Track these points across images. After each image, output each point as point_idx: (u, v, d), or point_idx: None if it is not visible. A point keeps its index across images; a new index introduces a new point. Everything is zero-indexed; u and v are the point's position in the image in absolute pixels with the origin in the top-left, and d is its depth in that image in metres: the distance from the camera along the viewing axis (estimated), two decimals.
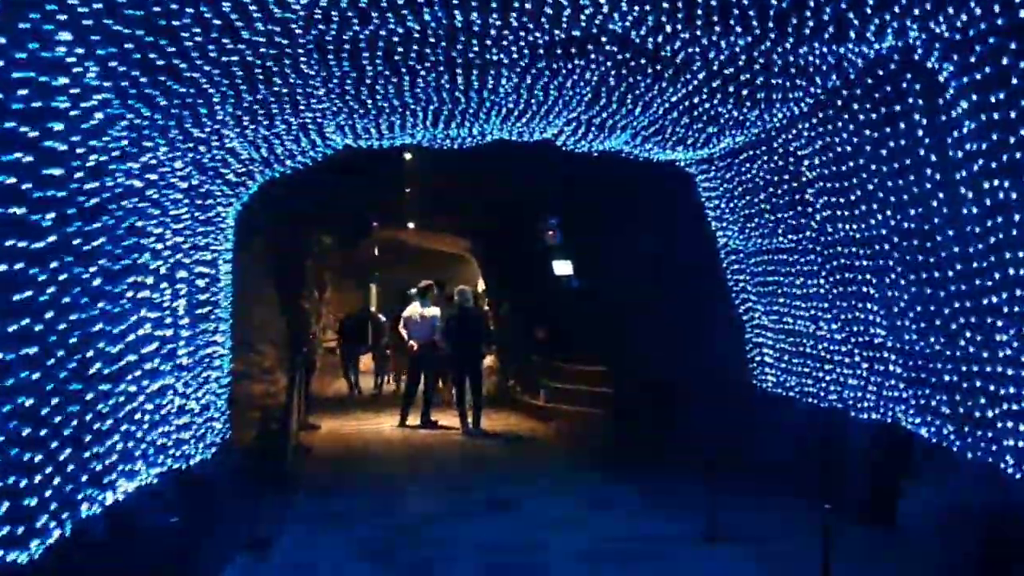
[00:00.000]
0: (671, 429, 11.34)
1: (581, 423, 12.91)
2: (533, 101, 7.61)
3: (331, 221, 21.51)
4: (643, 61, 6.64)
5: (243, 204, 9.29)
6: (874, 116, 6.12)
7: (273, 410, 10.53)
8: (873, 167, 6.37)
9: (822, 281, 7.62)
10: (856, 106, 6.26)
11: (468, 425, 13.01)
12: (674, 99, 7.25)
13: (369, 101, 7.28)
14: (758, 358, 9.52)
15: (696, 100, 7.18)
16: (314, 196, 16.62)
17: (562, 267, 12.93)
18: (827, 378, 8.03)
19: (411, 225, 23.89)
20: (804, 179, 7.42)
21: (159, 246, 6.07)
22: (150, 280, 5.81)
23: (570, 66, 6.73)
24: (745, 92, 6.81)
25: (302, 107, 7.12)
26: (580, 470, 10.18)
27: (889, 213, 6.32)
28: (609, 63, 6.68)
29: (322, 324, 24.40)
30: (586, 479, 9.62)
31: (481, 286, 25.25)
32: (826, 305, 7.66)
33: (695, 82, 6.81)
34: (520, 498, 8.62)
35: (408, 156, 14.70)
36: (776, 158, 7.73)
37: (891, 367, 6.91)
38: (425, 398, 13.76)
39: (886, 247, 6.48)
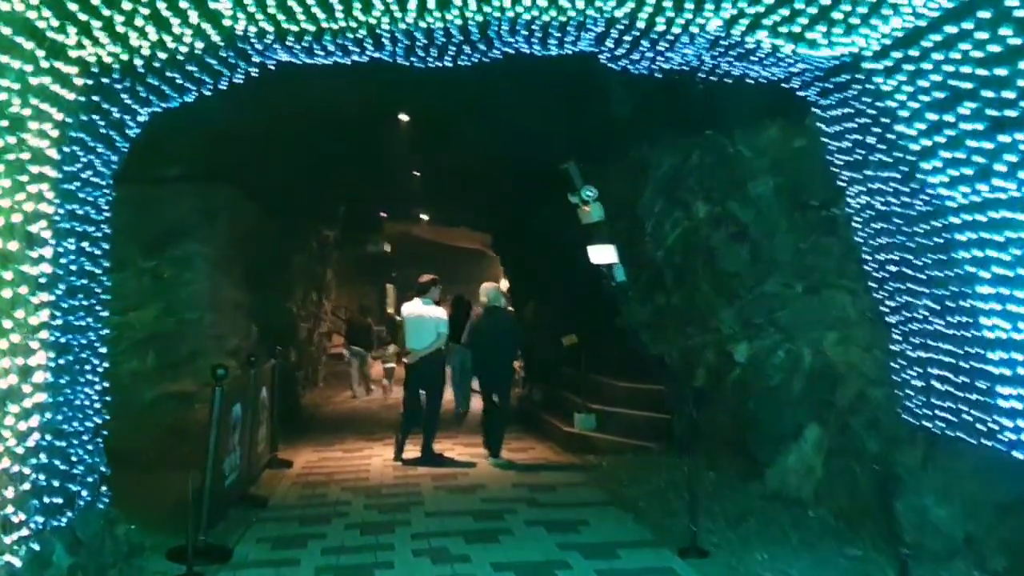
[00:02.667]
0: (763, 479, 7.76)
1: (631, 461, 9.32)
2: None
3: (331, 211, 18.10)
4: None
5: (126, 150, 5.80)
6: None
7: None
8: None
9: None
10: None
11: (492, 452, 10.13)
12: None
13: None
14: (918, 382, 5.89)
15: None
16: (301, 177, 13.20)
17: (601, 253, 9.33)
18: None
19: (424, 217, 20.44)
20: None
21: None
22: None
23: None
24: None
25: None
26: (638, 545, 6.61)
27: None
28: None
29: (326, 328, 20.98)
30: (647, 566, 6.05)
31: (505, 284, 21.86)
32: None
33: None
34: None
35: (405, 118, 11.23)
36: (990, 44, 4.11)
37: None
38: (426, 425, 10.24)
39: None
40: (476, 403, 15.47)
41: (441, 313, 10.41)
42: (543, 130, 9.87)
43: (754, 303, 7.72)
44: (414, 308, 10.47)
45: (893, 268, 5.86)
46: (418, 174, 15.31)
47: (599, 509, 7.70)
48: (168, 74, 5.12)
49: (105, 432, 5.73)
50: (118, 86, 4.94)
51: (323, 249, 18.66)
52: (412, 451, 10.19)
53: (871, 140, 5.48)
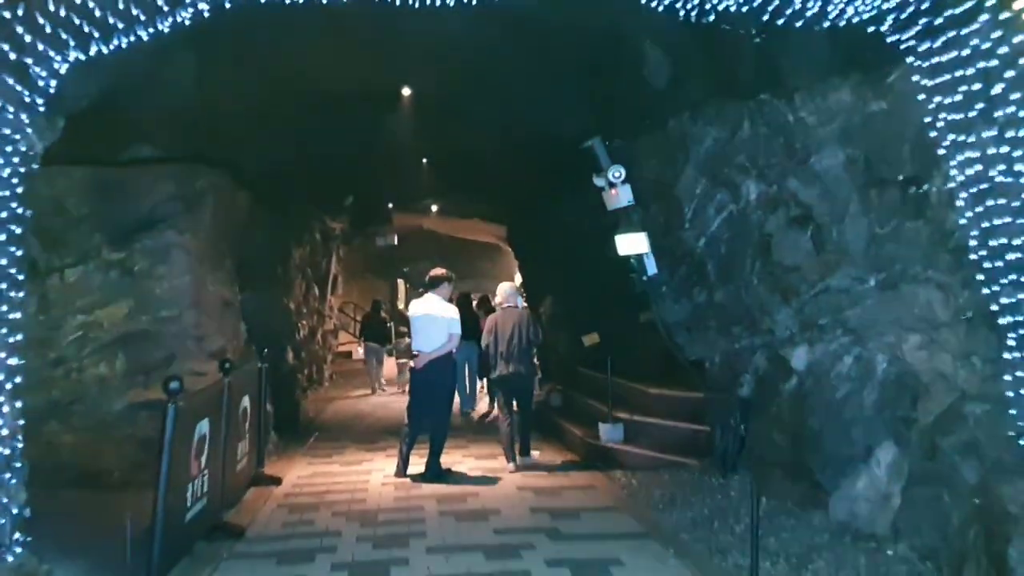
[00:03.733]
0: (827, 507, 6.47)
1: (666, 481, 8.04)
2: None
3: (335, 202, 16.86)
4: None
5: (43, 109, 4.55)
6: None
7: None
8: None
9: None
10: None
11: (515, 459, 9.18)
12: None
13: None
14: None
15: None
16: (299, 163, 11.96)
17: (630, 243, 8.08)
18: None
19: (434, 208, 19.19)
20: None
21: None
22: None
23: None
24: None
25: None
26: None
27: None
28: None
29: (332, 325, 19.79)
30: None
31: (519, 279, 20.66)
32: None
33: None
34: None
35: (407, 92, 9.97)
36: None
37: None
38: (433, 437, 8.97)
39: None
40: (480, 406, 14.49)
41: (453, 312, 9.07)
42: (564, 103, 8.61)
43: (817, 300, 6.43)
44: (423, 305, 9.18)
45: (1013, 256, 4.55)
46: (426, 160, 14.10)
47: (634, 542, 6.41)
48: (82, 4, 3.87)
49: (19, 464, 4.47)
50: (7, 14, 3.70)
51: (328, 242, 17.45)
52: (417, 464, 8.94)
53: (997, 90, 4.17)
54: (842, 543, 6.07)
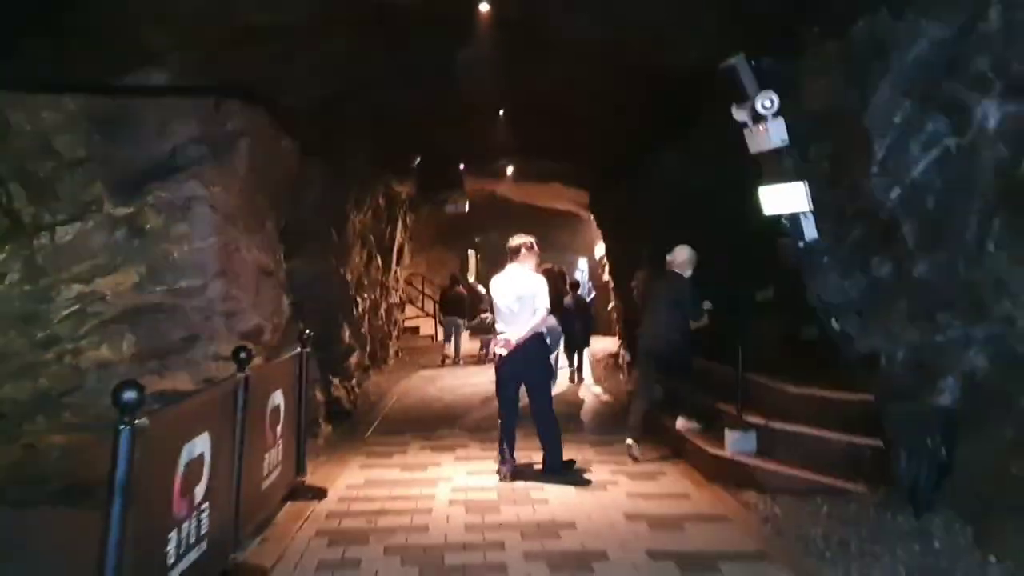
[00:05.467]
0: None
1: (825, 513, 5.83)
2: None
3: (401, 161, 14.87)
4: None
5: None
6: None
7: None
8: None
9: None
10: None
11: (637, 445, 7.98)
12: None
13: None
14: None
15: None
16: (358, 108, 9.98)
17: (781, 198, 5.87)
18: None
19: (509, 172, 17.06)
20: None
21: None
22: None
23: None
24: None
25: None
26: None
27: None
28: None
29: (399, 298, 17.93)
30: None
31: (600, 249, 18.61)
32: None
33: None
34: None
35: (485, 8, 7.84)
36: None
37: None
38: (544, 434, 7.27)
39: None
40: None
41: (540, 284, 7.19)
42: (688, 13, 6.41)
43: None
44: (505, 281, 7.31)
45: None
46: (502, 113, 12.01)
47: None
48: None
49: None
50: None
51: (393, 208, 15.50)
52: (482, 456, 6.99)
53: None
54: None
